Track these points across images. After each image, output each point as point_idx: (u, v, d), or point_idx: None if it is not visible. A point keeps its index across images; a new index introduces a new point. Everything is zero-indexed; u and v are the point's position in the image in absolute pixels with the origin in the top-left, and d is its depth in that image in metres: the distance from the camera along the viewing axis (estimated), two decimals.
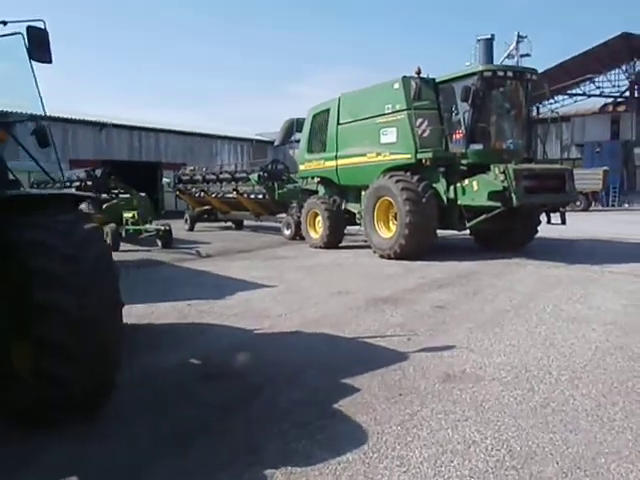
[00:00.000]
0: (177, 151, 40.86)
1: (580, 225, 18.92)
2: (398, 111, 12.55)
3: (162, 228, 15.58)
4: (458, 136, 12.11)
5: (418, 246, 11.89)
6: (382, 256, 12.40)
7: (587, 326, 6.24)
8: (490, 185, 11.00)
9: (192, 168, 24.95)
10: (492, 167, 11.04)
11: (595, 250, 13.40)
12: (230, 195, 20.55)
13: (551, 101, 45.63)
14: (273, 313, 7.12)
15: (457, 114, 12.21)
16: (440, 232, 12.65)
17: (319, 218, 15.05)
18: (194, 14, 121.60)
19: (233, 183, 20.57)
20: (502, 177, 10.76)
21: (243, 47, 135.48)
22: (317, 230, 15.17)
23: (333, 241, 14.72)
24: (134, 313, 6.94)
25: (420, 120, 12.19)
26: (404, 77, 12.26)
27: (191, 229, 22.43)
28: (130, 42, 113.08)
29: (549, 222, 12.26)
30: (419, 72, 12.25)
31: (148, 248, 15.43)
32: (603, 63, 39.97)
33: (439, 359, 5.16)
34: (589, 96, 45.00)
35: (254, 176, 18.99)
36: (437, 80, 12.44)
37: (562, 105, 46.08)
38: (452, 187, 11.86)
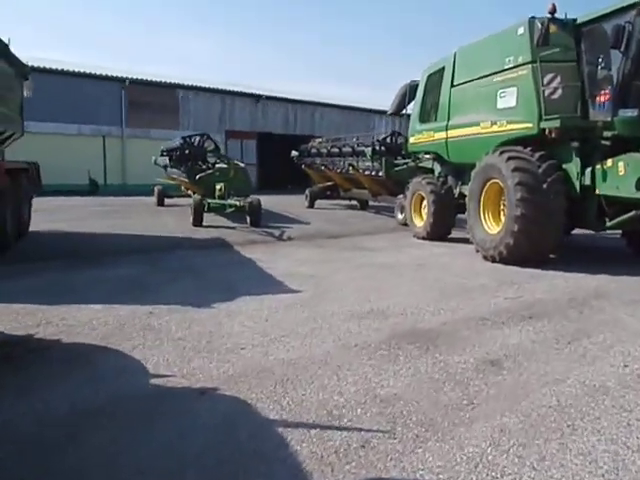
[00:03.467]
0: (332, 125, 39.33)
1: None
2: (520, 65, 9.30)
3: (244, 204, 13.65)
4: (603, 98, 8.62)
5: (532, 248, 8.72)
6: (485, 257, 9.37)
7: None
8: None
9: (320, 140, 22.91)
10: None
11: None
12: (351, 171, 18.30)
13: None
14: (224, 347, 4.69)
15: (604, 67, 8.70)
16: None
17: (425, 203, 12.21)
18: None
19: (354, 157, 18.26)
20: None
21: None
22: (423, 217, 12.34)
23: (438, 232, 11.82)
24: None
25: (549, 76, 8.88)
26: (532, 18, 8.96)
27: (310, 206, 20.60)
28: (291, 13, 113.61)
29: None
30: (553, 11, 8.92)
31: (233, 225, 13.72)
32: None
33: None
34: None
35: (369, 150, 16.47)
36: (579, 21, 8.97)
37: None
38: (589, 170, 8.47)
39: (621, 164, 7.87)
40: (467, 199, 10.15)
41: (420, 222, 12.37)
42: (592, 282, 7.76)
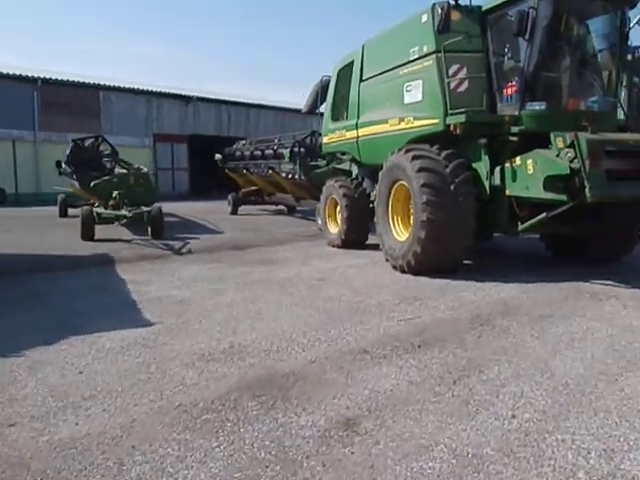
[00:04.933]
0: (268, 127, 38.17)
1: None
2: (425, 55, 8.51)
3: (138, 214, 12.47)
4: (510, 90, 7.91)
5: (441, 256, 7.94)
6: (395, 267, 8.55)
7: None
8: (550, 166, 6.85)
9: (244, 142, 21.83)
10: (553, 137, 6.84)
11: None
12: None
13: None
14: None
15: (511, 57, 8.00)
16: None
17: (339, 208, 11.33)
18: None
19: (276, 160, 17.30)
20: (570, 153, 6.56)
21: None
22: (339, 223, 11.46)
23: (353, 239, 10.95)
24: None
25: (455, 67, 8.12)
26: (435, 4, 8.16)
27: (234, 212, 19.58)
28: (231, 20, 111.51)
29: None
30: None
31: (132, 238, 12.53)
32: None
33: None
34: None
35: (287, 151, 15.51)
36: (484, 8, 8.23)
37: None
38: (498, 169, 7.73)
39: (529, 162, 7.16)
40: (375, 203, 9.31)
41: (335, 228, 11.49)
42: (503, 293, 7.01)
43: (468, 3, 8.27)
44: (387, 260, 8.79)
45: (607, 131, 7.21)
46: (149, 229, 12.38)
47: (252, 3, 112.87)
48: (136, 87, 33.28)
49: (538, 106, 7.56)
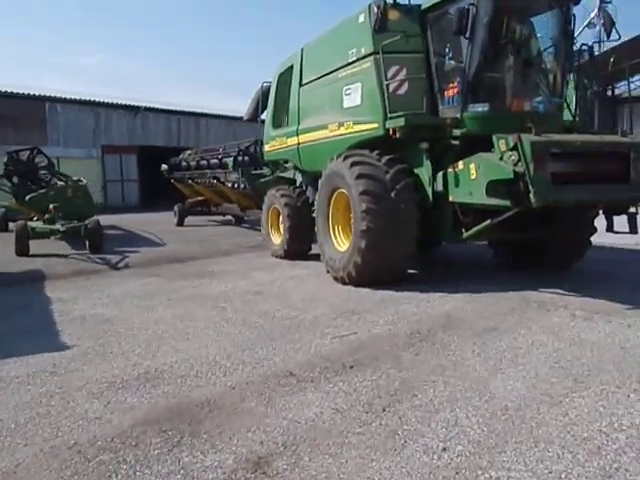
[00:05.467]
0: (219, 136, 37.40)
1: None
2: (363, 57, 8.12)
3: (74, 227, 11.78)
4: (452, 92, 7.57)
5: (383, 266, 7.53)
6: (336, 279, 8.10)
7: None
8: (493, 170, 6.49)
9: (190, 152, 21.18)
10: (495, 139, 6.50)
11: None
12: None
13: (638, 77, 38.90)
14: None
15: (453, 57, 7.67)
16: None
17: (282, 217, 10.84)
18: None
19: (221, 169, 16.73)
20: (513, 156, 6.21)
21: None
22: (281, 233, 10.96)
23: (296, 249, 10.47)
24: None
25: (394, 68, 7.75)
26: (371, 3, 7.78)
27: (180, 224, 18.89)
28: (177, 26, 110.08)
29: (610, 230, 7.51)
30: None
31: (69, 252, 11.83)
32: None
33: None
34: None
35: (230, 160, 14.98)
36: (424, 6, 7.90)
37: None
38: (441, 174, 7.36)
39: (472, 166, 6.80)
40: (315, 212, 8.85)
41: (278, 239, 11.00)
42: (447, 305, 6.62)
43: (407, 2, 7.90)
44: (328, 272, 8.33)
45: (553, 133, 6.90)
46: (87, 243, 11.68)
47: (204, 19, 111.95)
48: (83, 98, 32.27)
49: (481, 108, 7.24)
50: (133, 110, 34.32)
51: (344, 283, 7.87)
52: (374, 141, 7.95)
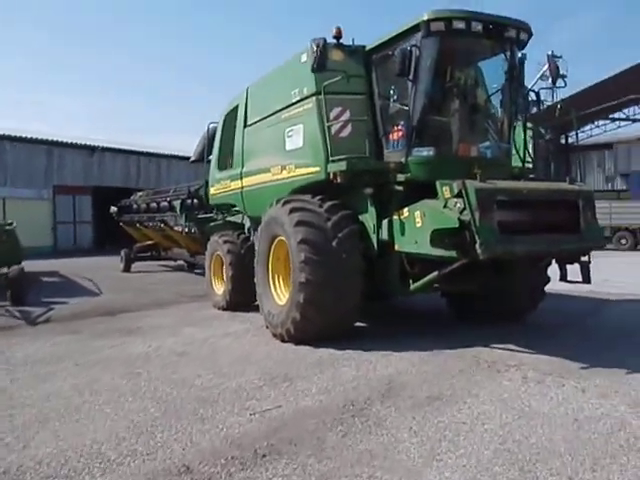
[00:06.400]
0: (181, 177, 36.59)
1: (624, 271, 13.65)
2: (305, 97, 7.66)
3: None
4: (396, 135, 7.12)
5: (324, 322, 6.92)
6: (275, 335, 7.44)
7: None
8: (438, 218, 6.00)
9: (141, 194, 20.44)
10: (439, 185, 6.04)
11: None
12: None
13: (590, 126, 39.77)
14: None
15: (397, 99, 7.25)
16: None
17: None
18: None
19: (170, 213, 16.03)
20: (459, 204, 5.74)
21: None
22: (224, 282, 10.28)
23: (240, 300, 9.75)
24: None
25: (337, 110, 7.28)
26: (311, 42, 7.33)
27: (126, 269, 18.00)
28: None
29: (564, 279, 7.04)
30: (338, 35, 7.41)
31: None
32: None
33: None
34: (634, 121, 38.70)
35: (178, 203, 14.33)
36: (368, 47, 7.51)
37: (604, 131, 40.11)
38: (386, 221, 6.84)
39: (417, 214, 6.32)
40: (255, 261, 8.23)
41: (220, 288, 10.31)
42: (390, 367, 6.03)
43: (351, 42, 7.50)
44: (267, 327, 7.68)
45: (501, 179, 6.49)
46: (8, 294, 10.77)
47: (175, 70, 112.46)
48: (35, 136, 31.31)
49: (426, 152, 6.79)
50: (89, 149, 33.42)
51: (283, 340, 7.24)
52: (317, 186, 7.43)
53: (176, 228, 15.50)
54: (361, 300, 7.05)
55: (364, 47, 7.54)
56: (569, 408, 4.67)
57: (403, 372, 5.85)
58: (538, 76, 39.75)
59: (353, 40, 7.56)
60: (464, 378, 5.59)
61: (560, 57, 39.68)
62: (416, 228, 6.33)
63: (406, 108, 6.96)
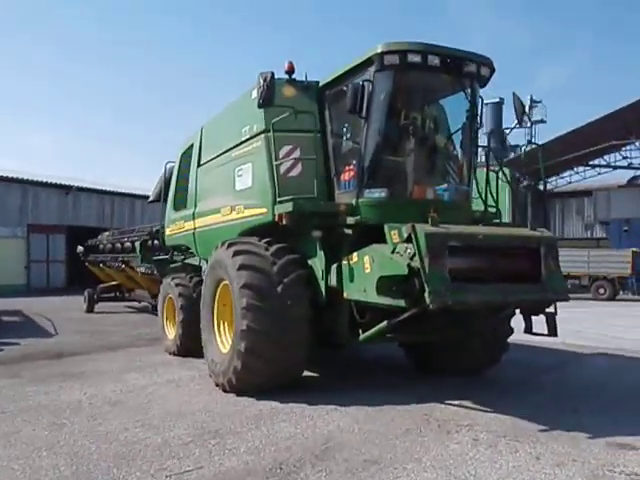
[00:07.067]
0: (155, 217, 35.93)
1: (599, 322, 13.31)
2: (255, 135, 7.33)
3: None
4: (348, 176, 6.78)
5: (266, 373, 6.44)
6: (217, 385, 6.92)
7: None
8: (386, 264, 5.59)
9: (108, 233, 19.95)
10: (387, 229, 5.67)
11: (608, 385, 7.73)
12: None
13: (570, 172, 40.11)
14: None
15: (350, 138, 6.93)
16: None
17: None
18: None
19: (134, 253, 15.56)
20: (409, 249, 5.35)
21: None
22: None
23: (191, 346, 9.20)
24: None
25: (287, 148, 6.95)
26: (258, 75, 7.00)
27: (89, 310, 17.39)
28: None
29: (529, 331, 6.59)
30: (290, 70, 7.14)
31: None
32: (629, 129, 33.72)
33: None
34: (614, 167, 38.97)
35: (138, 244, 13.87)
36: (321, 83, 7.24)
37: (584, 177, 40.41)
38: (335, 267, 6.42)
39: (366, 259, 5.92)
40: (200, 306, 7.76)
41: (172, 333, 9.78)
42: (332, 424, 5.54)
43: (304, 78, 7.22)
44: (210, 376, 7.16)
45: (460, 224, 6.13)
46: None
47: (155, 93, 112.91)
48: (9, 175, 30.87)
49: (378, 193, 6.44)
50: (64, 189, 32.97)
51: (225, 390, 6.74)
52: (265, 228, 7.03)
53: (141, 269, 15.01)
54: (308, 350, 6.61)
55: (317, 83, 7.25)
56: (519, 479, 4.20)
57: (345, 430, 5.36)
58: (515, 123, 40.20)
59: (306, 75, 7.29)
60: (409, 439, 5.11)
61: (540, 102, 40.54)
62: (365, 274, 5.93)
63: (358, 147, 6.62)
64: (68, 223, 32.88)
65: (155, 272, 13.70)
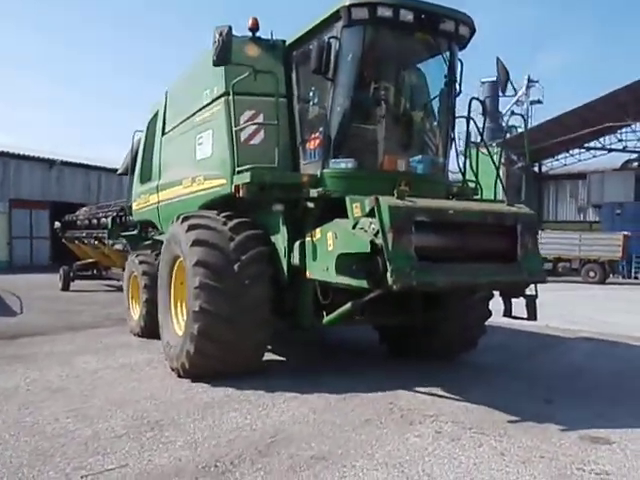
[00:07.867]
0: None
1: (586, 305, 12.86)
2: (215, 99, 6.75)
3: None
4: (313, 144, 6.22)
5: (222, 358, 5.95)
6: (172, 369, 6.43)
7: None
8: (348, 241, 5.07)
9: (86, 208, 19.31)
10: (348, 202, 5.15)
11: (586, 372, 7.29)
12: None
13: (564, 155, 39.57)
14: None
15: (318, 102, 6.36)
16: None
17: None
18: None
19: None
20: (374, 224, 4.83)
21: None
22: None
23: (155, 327, 8.64)
24: None
25: (249, 114, 6.37)
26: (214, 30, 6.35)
27: (65, 288, 16.80)
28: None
29: (508, 315, 6.07)
30: (254, 27, 6.53)
31: None
32: (626, 111, 32.99)
33: None
34: (609, 150, 38.40)
35: (109, 220, 13.28)
36: (288, 42, 6.65)
37: (579, 160, 39.87)
38: (298, 244, 5.88)
39: (329, 235, 5.38)
40: (158, 285, 7.24)
41: (137, 313, 9.27)
42: (286, 414, 5.08)
43: (270, 35, 6.64)
44: (166, 360, 6.67)
45: (434, 198, 5.62)
46: None
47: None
48: None
49: (344, 164, 5.89)
50: (48, 163, 32.15)
51: (179, 376, 6.25)
52: (226, 200, 6.48)
53: (117, 246, 14.46)
54: (268, 333, 6.12)
55: (284, 42, 6.66)
56: (451, 476, 3.73)
57: (298, 421, 4.89)
58: (513, 101, 39.54)
59: (272, 33, 6.70)
60: (366, 431, 4.64)
61: (537, 82, 39.86)
62: (327, 252, 5.41)
63: (324, 112, 6.06)
64: (52, 199, 32.08)
65: (127, 249, 13.12)
